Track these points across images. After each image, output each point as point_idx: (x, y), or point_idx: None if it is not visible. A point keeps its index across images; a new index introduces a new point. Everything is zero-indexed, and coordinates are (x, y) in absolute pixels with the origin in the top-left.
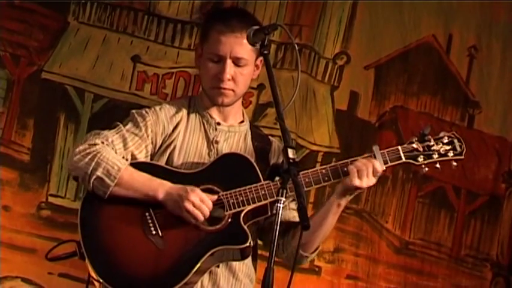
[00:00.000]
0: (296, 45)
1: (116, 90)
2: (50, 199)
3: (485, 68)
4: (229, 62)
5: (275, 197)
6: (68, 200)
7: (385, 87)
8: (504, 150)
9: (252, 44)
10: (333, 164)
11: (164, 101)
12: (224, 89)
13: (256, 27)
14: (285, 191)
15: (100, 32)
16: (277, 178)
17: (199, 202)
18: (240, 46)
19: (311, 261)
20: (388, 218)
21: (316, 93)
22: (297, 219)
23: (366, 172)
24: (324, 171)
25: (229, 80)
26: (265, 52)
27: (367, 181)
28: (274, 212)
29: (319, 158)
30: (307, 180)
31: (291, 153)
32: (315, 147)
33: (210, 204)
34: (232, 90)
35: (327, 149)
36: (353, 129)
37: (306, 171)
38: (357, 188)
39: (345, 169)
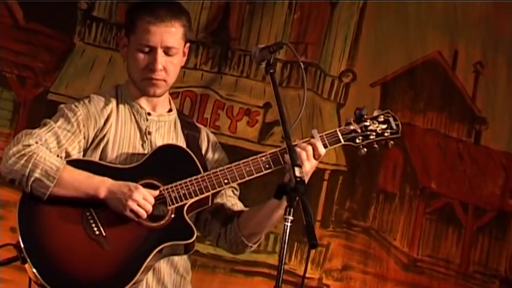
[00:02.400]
0: (302, 64)
1: None
2: None
3: (491, 83)
4: (160, 51)
5: (217, 189)
6: None
7: (392, 104)
8: (511, 165)
9: (258, 62)
10: (272, 150)
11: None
12: (156, 79)
13: (261, 46)
14: (292, 210)
15: (106, 52)
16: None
17: (143, 201)
18: (170, 35)
19: (319, 279)
20: (396, 235)
21: (322, 111)
22: (237, 207)
23: (306, 155)
24: (263, 158)
25: (161, 70)
26: (271, 71)
27: (309, 164)
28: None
29: (326, 176)
30: (247, 169)
31: (298, 171)
32: (321, 165)
33: (153, 201)
34: (164, 81)
35: (334, 167)
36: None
37: (246, 159)
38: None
39: (284, 153)
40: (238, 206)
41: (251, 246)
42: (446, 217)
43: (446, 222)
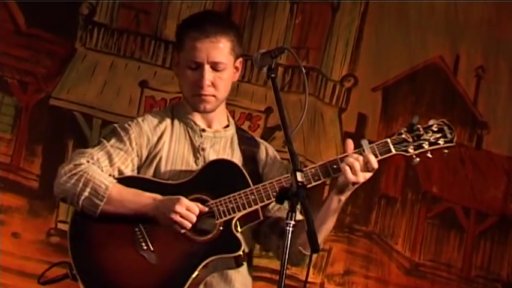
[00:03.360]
0: (303, 68)
1: (123, 116)
2: (60, 225)
3: (493, 88)
4: (207, 67)
5: (265, 202)
6: None
7: (393, 108)
8: None
9: (259, 67)
10: (321, 162)
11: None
12: (205, 95)
13: (263, 50)
14: (294, 214)
15: (107, 57)
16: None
17: (186, 212)
18: (216, 50)
19: (321, 283)
20: (397, 239)
21: (324, 116)
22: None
23: (360, 166)
24: (313, 170)
25: (209, 86)
26: (273, 75)
27: (363, 175)
28: (286, 221)
29: (328, 181)
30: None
31: (299, 176)
32: None
33: (197, 211)
34: (213, 96)
35: None
36: None
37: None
38: (354, 183)
39: (335, 166)
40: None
41: (307, 255)
42: (448, 222)
43: (448, 227)
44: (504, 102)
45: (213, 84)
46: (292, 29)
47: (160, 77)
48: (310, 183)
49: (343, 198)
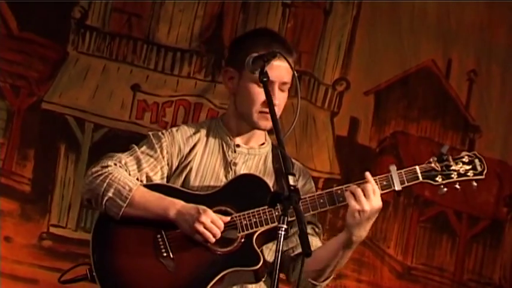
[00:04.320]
0: (295, 72)
1: (116, 120)
2: (52, 229)
3: (485, 91)
4: (277, 87)
5: (288, 219)
6: (69, 230)
7: (385, 112)
8: (505, 174)
9: (252, 71)
10: (348, 184)
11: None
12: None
13: (255, 54)
14: (286, 218)
15: (99, 61)
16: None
17: (210, 224)
18: (288, 71)
19: None
20: (390, 243)
21: (316, 120)
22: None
23: (364, 193)
24: (339, 191)
25: (275, 105)
26: (265, 79)
27: (369, 202)
28: (278, 225)
29: (320, 185)
30: (321, 201)
31: (291, 180)
32: (315, 174)
33: (222, 225)
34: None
35: (328, 175)
36: (353, 155)
37: (321, 192)
38: (359, 211)
39: (339, 192)
40: (313, 244)
41: (316, 285)
42: (440, 225)
43: (440, 231)
44: (496, 106)
45: (278, 104)
46: (284, 33)
47: (153, 81)
48: (335, 204)
49: (353, 237)
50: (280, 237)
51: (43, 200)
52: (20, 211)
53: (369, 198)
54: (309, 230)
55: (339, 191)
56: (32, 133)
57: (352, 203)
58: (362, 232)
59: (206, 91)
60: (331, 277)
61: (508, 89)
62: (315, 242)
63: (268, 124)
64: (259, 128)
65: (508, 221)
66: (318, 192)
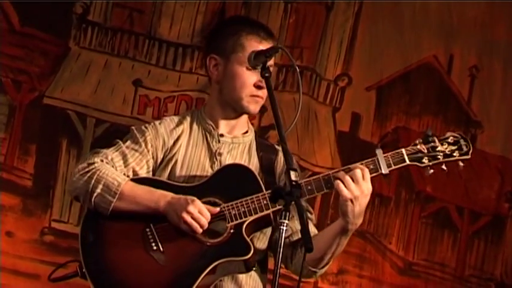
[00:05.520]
0: (297, 68)
1: (117, 115)
2: (53, 224)
3: (487, 87)
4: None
5: (277, 207)
6: (71, 225)
7: (387, 108)
8: (507, 169)
9: (253, 67)
10: (336, 170)
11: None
12: (262, 98)
13: (257, 50)
14: (288, 214)
15: (101, 56)
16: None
17: (198, 214)
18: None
19: (315, 282)
20: (391, 239)
21: (318, 115)
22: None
23: (353, 179)
24: (326, 177)
25: (261, 88)
26: (267, 75)
27: (359, 188)
28: (280, 220)
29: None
30: (309, 187)
31: (293, 175)
32: (317, 169)
33: (209, 216)
34: (262, 99)
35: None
36: (355, 150)
37: (308, 179)
38: (351, 199)
39: (326, 178)
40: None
41: (316, 272)
42: (442, 221)
43: (441, 226)
44: (498, 101)
45: (263, 86)
46: (286, 29)
47: (154, 76)
48: (323, 190)
49: (349, 225)
50: (282, 232)
51: (45, 195)
52: (22, 206)
53: (359, 184)
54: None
55: (326, 177)
56: (34, 128)
57: (344, 192)
58: (358, 219)
59: (208, 86)
60: (330, 263)
61: (509, 84)
62: (310, 227)
63: (257, 108)
64: (248, 113)
65: (510, 216)
66: (323, 174)
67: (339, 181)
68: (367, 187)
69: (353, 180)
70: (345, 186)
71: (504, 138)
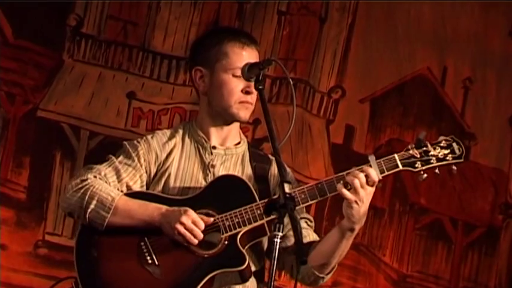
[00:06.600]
0: (291, 80)
1: (111, 127)
2: (47, 237)
3: (481, 99)
4: None
5: (271, 217)
6: (65, 238)
7: (381, 120)
8: (500, 181)
9: (247, 79)
10: (328, 178)
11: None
12: (252, 104)
13: (250, 62)
14: (282, 226)
15: (95, 69)
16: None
17: (191, 225)
18: (257, 58)
19: None
20: (385, 251)
21: (311, 127)
22: (308, 238)
23: (360, 183)
24: (319, 186)
25: (251, 93)
26: (260, 87)
27: (363, 191)
28: (274, 233)
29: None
30: (303, 196)
31: (287, 188)
32: (311, 181)
33: (202, 226)
34: (252, 104)
35: None
36: (349, 162)
37: (302, 187)
38: (357, 201)
39: (327, 184)
40: (310, 237)
41: (323, 277)
42: (436, 233)
43: (435, 238)
44: (491, 113)
45: (252, 92)
46: (279, 41)
47: (148, 89)
48: (317, 198)
49: (355, 226)
50: (276, 244)
51: (38, 208)
52: (16, 219)
53: (364, 187)
54: (303, 223)
55: (340, 179)
56: (28, 141)
57: (348, 195)
58: (363, 219)
59: None
60: (335, 268)
61: (503, 96)
62: (311, 234)
63: (248, 114)
64: (239, 120)
65: (504, 228)
66: (317, 182)
67: (341, 185)
68: (370, 190)
69: (360, 183)
70: (350, 190)
71: (498, 150)
